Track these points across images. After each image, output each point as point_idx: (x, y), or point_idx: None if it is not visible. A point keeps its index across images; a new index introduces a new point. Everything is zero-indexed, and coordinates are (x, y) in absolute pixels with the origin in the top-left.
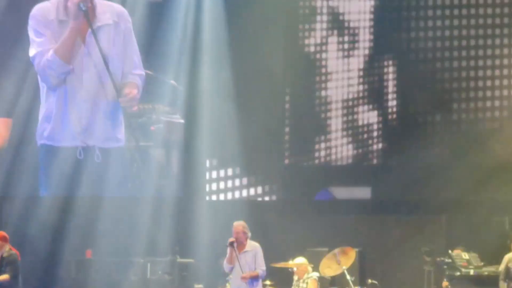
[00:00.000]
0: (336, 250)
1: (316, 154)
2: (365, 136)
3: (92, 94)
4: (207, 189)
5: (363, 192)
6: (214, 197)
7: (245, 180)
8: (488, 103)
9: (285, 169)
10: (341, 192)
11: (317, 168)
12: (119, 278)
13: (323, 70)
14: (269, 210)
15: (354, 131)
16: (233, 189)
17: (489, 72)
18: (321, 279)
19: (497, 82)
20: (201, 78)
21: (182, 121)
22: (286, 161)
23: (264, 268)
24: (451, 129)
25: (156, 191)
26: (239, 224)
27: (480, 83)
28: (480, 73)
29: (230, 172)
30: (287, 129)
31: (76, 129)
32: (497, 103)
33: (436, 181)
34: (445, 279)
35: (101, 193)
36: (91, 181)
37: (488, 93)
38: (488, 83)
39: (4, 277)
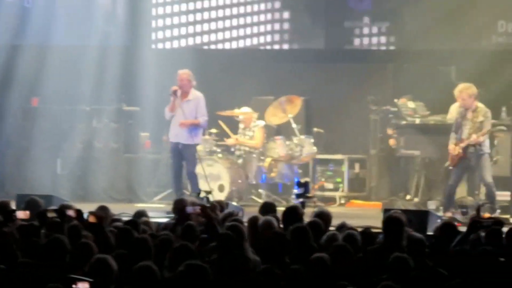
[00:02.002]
0: (282, 99)
1: None
2: None
3: None
4: (153, 37)
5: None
6: (160, 46)
7: (191, 29)
8: None
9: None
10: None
11: None
12: (65, 126)
13: None
14: (216, 59)
15: None
16: (179, 37)
17: None
18: (267, 127)
19: None
20: None
21: None
22: None
23: (206, 118)
24: None
25: (102, 38)
26: (184, 73)
27: None
28: None
29: (176, 20)
30: None
31: None
32: None
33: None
34: (390, 128)
35: (47, 42)
36: (37, 29)
37: None
38: None
39: None
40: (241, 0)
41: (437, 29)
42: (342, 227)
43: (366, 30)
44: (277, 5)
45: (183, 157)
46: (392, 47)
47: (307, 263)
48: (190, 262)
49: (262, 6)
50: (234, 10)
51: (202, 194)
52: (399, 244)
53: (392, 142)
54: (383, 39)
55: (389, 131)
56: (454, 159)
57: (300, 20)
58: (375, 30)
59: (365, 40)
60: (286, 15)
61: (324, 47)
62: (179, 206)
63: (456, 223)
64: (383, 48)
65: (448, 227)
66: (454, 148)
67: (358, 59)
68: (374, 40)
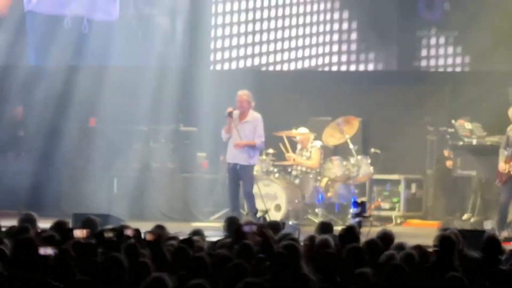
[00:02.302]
0: (339, 119)
1: None
2: None
3: None
4: (212, 58)
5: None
6: (218, 67)
7: (250, 50)
8: None
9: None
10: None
11: None
12: (122, 146)
13: None
14: (274, 80)
15: None
16: (237, 58)
17: None
18: (324, 148)
19: None
20: None
21: None
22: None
23: (262, 139)
24: None
25: (161, 59)
26: (243, 93)
27: None
28: None
29: (235, 41)
30: None
31: None
32: None
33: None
34: (447, 149)
35: (105, 62)
36: (95, 50)
37: None
38: None
39: None
40: (299, 22)
41: (494, 51)
42: (399, 247)
43: (424, 52)
44: (335, 27)
45: (240, 177)
46: (449, 69)
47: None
48: (247, 280)
49: (320, 28)
50: (293, 32)
51: (259, 214)
52: (452, 263)
53: (449, 163)
54: (441, 61)
55: (446, 153)
56: (502, 176)
57: (357, 43)
58: (433, 52)
59: (423, 62)
60: (344, 37)
61: (382, 69)
62: (232, 224)
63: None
64: (441, 70)
65: (491, 241)
66: (503, 166)
67: (415, 81)
68: (432, 62)
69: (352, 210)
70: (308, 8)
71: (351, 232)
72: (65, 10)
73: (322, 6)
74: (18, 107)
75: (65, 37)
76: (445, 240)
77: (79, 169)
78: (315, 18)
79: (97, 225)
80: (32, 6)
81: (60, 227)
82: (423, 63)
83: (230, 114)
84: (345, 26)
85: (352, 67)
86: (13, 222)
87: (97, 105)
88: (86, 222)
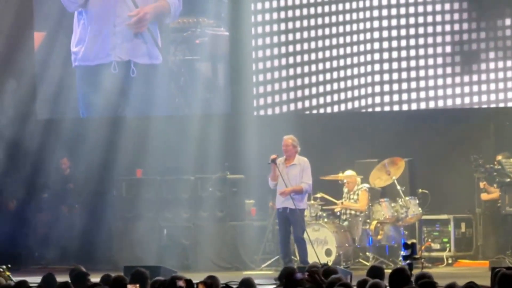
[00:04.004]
0: (386, 161)
1: None
2: None
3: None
4: (255, 104)
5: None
6: (262, 112)
7: (292, 94)
8: None
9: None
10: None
11: None
12: (169, 196)
13: None
14: (317, 123)
15: None
16: (280, 103)
17: None
18: (371, 190)
19: None
20: None
21: (227, 33)
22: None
23: (310, 182)
24: None
25: (203, 105)
26: (288, 138)
27: None
28: None
29: (277, 86)
30: None
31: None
32: None
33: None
34: (482, 180)
35: (149, 112)
36: (138, 100)
37: None
38: None
39: None
40: (340, 64)
41: None
42: (452, 287)
43: (467, 89)
44: (376, 68)
45: (290, 223)
46: (493, 105)
47: None
48: None
49: (362, 69)
50: (334, 75)
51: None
52: None
53: (484, 196)
54: (484, 97)
55: (482, 185)
56: None
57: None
58: (475, 88)
59: (466, 100)
60: (385, 77)
61: (425, 107)
62: (287, 274)
63: None
64: (484, 106)
65: None
66: None
67: (460, 118)
68: (475, 98)
69: (403, 252)
70: (348, 50)
71: (400, 275)
72: (111, 57)
73: (362, 48)
74: (63, 159)
75: (113, 82)
76: (506, 279)
77: (128, 221)
78: (356, 60)
79: (147, 277)
80: (78, 60)
81: (118, 283)
82: (466, 100)
83: (273, 161)
84: (385, 66)
85: (396, 107)
86: (64, 278)
87: (143, 156)
88: (135, 274)
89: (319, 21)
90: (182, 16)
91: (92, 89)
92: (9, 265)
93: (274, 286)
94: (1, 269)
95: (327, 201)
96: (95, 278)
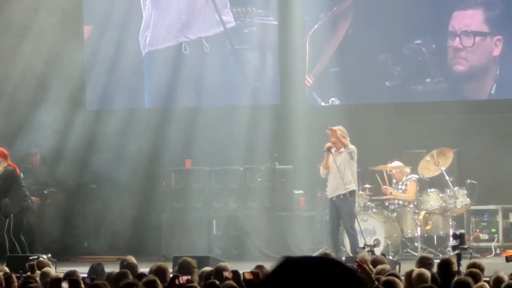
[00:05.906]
0: (434, 151)
1: None
2: None
3: None
4: (305, 94)
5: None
6: (311, 102)
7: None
8: None
9: None
10: None
11: None
12: (218, 186)
13: None
14: (367, 114)
15: None
16: (328, 94)
17: None
18: (420, 181)
19: None
20: None
21: (275, 23)
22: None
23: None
24: None
25: (252, 95)
26: (337, 129)
27: None
28: None
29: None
30: None
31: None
32: None
33: None
34: None
35: (198, 104)
36: (188, 91)
37: None
38: None
39: None
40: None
41: None
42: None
43: None
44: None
45: (340, 213)
46: None
47: None
48: None
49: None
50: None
51: (367, 249)
52: None
53: None
54: None
55: None
56: None
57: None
58: None
59: None
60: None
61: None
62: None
63: None
64: None
65: None
66: None
67: (509, 108)
68: None
69: (451, 243)
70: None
71: (448, 265)
72: (180, 37)
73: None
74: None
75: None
76: None
77: (177, 212)
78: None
79: (194, 266)
80: (147, 47)
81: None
82: None
83: (329, 149)
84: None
85: (440, 98)
86: (114, 268)
87: (192, 147)
88: (182, 264)
89: None
90: (231, 6)
91: (161, 76)
92: (50, 255)
93: None
94: (44, 258)
95: (375, 190)
96: (144, 269)
